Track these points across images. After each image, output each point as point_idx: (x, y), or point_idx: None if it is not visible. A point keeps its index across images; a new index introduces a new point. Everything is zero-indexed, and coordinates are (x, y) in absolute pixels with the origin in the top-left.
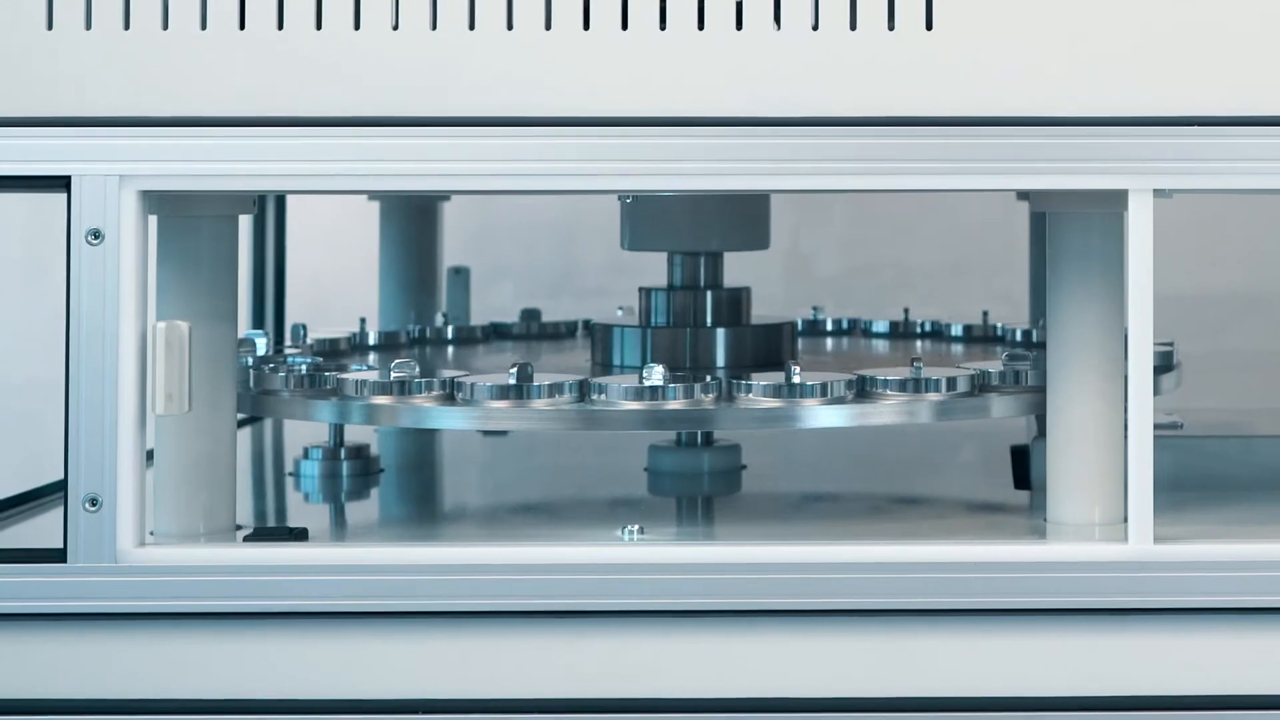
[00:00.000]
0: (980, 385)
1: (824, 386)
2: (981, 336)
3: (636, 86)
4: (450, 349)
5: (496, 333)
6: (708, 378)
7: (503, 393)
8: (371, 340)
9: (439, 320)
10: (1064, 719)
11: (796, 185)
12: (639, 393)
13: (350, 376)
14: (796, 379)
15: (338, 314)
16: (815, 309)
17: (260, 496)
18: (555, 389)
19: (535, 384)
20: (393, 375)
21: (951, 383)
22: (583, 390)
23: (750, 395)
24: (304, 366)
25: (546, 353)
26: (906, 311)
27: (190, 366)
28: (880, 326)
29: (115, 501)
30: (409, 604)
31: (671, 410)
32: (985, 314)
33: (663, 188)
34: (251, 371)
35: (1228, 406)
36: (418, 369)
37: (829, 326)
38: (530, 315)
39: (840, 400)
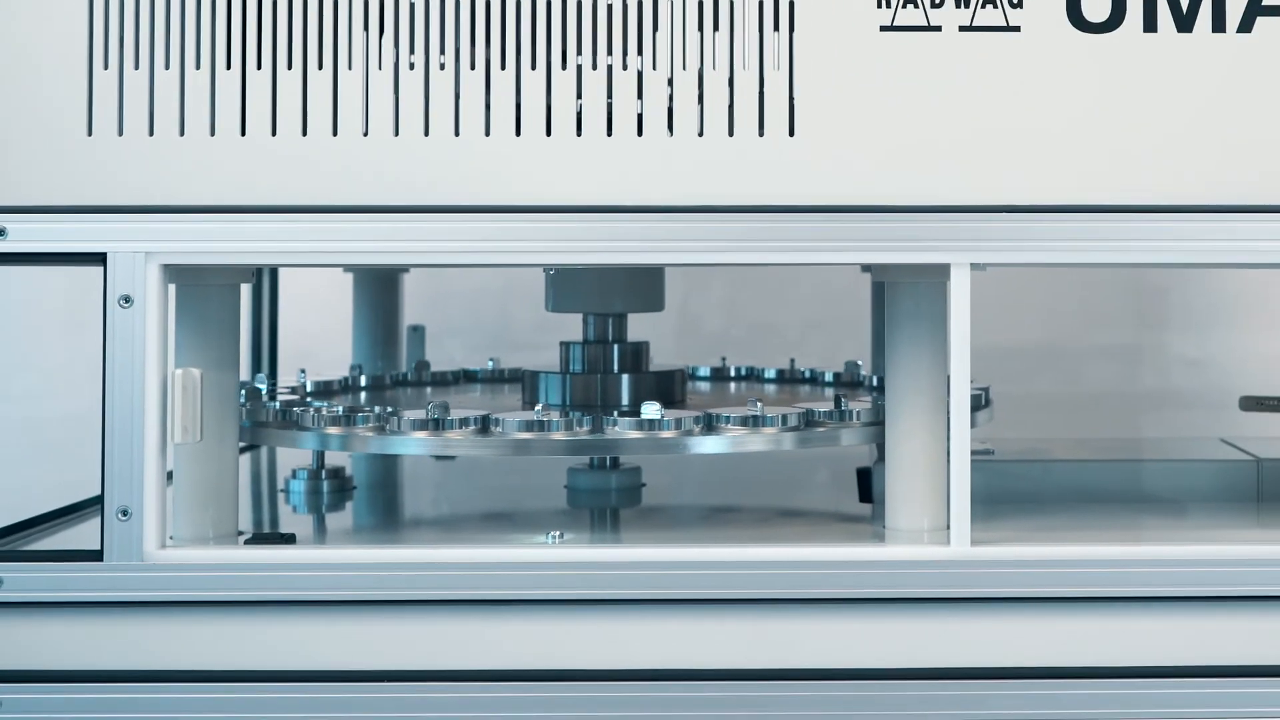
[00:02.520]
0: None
1: (784, 418)
2: (790, 379)
3: (558, 181)
4: (364, 394)
5: (396, 381)
6: (696, 412)
7: (528, 426)
8: (309, 387)
9: (353, 371)
10: (897, 686)
11: (685, 260)
12: (640, 424)
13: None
14: (757, 412)
15: (319, 363)
16: None
17: (257, 508)
18: (574, 422)
19: (555, 419)
20: (428, 414)
21: (859, 414)
22: (595, 424)
23: (729, 425)
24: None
25: (435, 395)
26: (724, 359)
27: (201, 405)
28: (703, 371)
29: (142, 512)
30: (377, 594)
31: (667, 439)
32: (793, 360)
33: (579, 262)
34: (292, 410)
35: (1030, 436)
36: (450, 410)
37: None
38: (422, 366)
39: (795, 428)
